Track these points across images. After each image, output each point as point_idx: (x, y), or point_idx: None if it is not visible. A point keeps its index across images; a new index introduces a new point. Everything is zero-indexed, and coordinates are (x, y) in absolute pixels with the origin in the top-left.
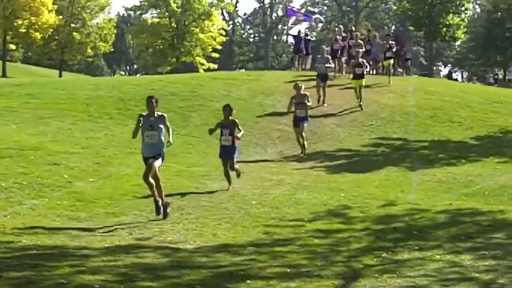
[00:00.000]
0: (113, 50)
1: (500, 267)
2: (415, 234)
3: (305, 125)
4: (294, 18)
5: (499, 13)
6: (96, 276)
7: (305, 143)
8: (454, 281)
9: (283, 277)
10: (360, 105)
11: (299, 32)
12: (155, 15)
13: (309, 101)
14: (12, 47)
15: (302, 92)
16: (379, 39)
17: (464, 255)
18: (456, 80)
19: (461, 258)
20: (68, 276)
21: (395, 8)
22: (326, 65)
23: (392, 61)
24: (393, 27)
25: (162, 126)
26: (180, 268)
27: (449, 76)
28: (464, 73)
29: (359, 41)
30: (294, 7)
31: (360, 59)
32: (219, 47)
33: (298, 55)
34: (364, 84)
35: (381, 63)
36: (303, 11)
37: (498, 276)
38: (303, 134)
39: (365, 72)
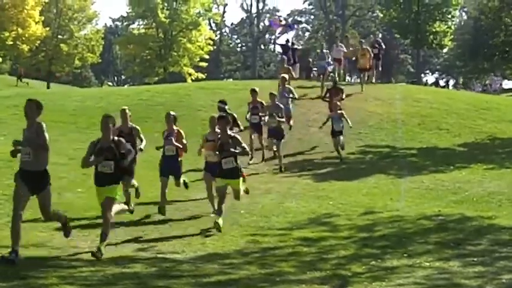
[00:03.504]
0: (100, 61)
1: (489, 274)
2: (404, 242)
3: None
4: (279, 29)
5: (487, 18)
6: (84, 286)
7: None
8: (444, 287)
9: (271, 285)
10: None
11: (287, 40)
12: (142, 26)
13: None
14: None
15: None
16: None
17: (453, 262)
18: (444, 87)
19: (450, 264)
20: (57, 287)
21: (381, 16)
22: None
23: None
24: (380, 35)
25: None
26: (169, 277)
27: (436, 84)
28: (451, 80)
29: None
30: (280, 16)
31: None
32: (207, 57)
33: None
34: None
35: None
36: (290, 20)
37: (487, 282)
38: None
39: None
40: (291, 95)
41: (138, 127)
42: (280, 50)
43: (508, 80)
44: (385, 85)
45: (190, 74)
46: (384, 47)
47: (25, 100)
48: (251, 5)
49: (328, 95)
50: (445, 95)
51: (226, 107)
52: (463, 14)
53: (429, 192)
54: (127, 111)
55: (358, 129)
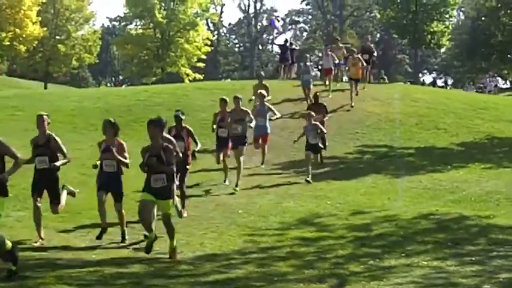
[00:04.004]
0: (98, 61)
1: (486, 273)
2: (402, 241)
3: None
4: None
5: (484, 18)
6: (82, 286)
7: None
8: (441, 286)
9: (270, 285)
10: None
11: (286, 40)
12: (140, 26)
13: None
14: None
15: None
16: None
17: (450, 261)
18: (442, 87)
19: (447, 264)
20: (54, 287)
21: (379, 16)
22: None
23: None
24: (378, 35)
25: None
26: (167, 277)
27: (433, 84)
28: (449, 80)
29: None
30: (278, 16)
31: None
32: (204, 57)
33: (284, 64)
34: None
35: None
36: (287, 20)
37: (484, 281)
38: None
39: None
40: (269, 113)
41: (57, 138)
42: (279, 50)
43: (503, 79)
44: (382, 85)
45: (188, 75)
46: (375, 53)
47: (23, 101)
48: (249, 5)
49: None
50: (442, 95)
51: (183, 117)
52: (461, 13)
53: (427, 191)
54: (45, 117)
55: (355, 129)
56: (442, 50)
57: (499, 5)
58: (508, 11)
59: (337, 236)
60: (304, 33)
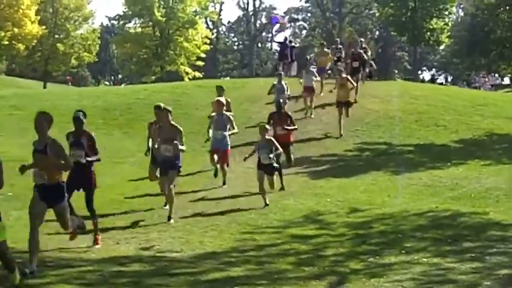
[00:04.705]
0: (97, 60)
1: (486, 269)
2: (401, 238)
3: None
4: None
5: (484, 15)
6: (82, 285)
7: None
8: (441, 283)
9: (270, 283)
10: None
11: (285, 38)
12: (139, 24)
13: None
14: None
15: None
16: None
17: (450, 258)
18: (442, 84)
19: (447, 260)
20: (55, 286)
21: (378, 13)
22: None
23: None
24: (377, 33)
25: None
26: (167, 276)
27: (432, 81)
28: (448, 77)
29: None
30: (277, 14)
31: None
32: (204, 56)
33: (283, 62)
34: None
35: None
36: (286, 18)
37: (484, 277)
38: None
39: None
40: (228, 125)
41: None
42: (278, 48)
43: (500, 75)
44: (382, 82)
45: (187, 73)
46: (366, 58)
47: (22, 100)
48: (248, 3)
49: (271, 121)
50: (442, 92)
51: (84, 120)
52: (460, 10)
53: (427, 188)
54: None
55: (355, 127)
56: (441, 47)
57: (498, 2)
58: (507, 7)
59: (337, 234)
60: (304, 31)
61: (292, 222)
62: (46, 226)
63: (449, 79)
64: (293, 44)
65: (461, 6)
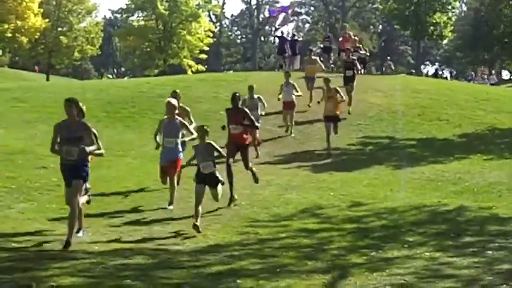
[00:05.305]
0: (100, 53)
1: (488, 264)
2: (404, 232)
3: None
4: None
5: (487, 9)
6: (85, 277)
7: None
8: (443, 277)
9: (272, 276)
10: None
11: (282, 32)
12: (142, 17)
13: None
14: None
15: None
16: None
17: (452, 252)
18: (446, 78)
19: (449, 255)
20: (58, 279)
21: (381, 7)
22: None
23: None
24: (380, 27)
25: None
26: (170, 269)
27: (435, 75)
28: (452, 72)
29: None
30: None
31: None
32: (207, 49)
33: (282, 55)
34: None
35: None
36: (289, 11)
37: (486, 272)
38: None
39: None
40: (183, 131)
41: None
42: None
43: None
44: (385, 76)
45: (190, 66)
46: (359, 67)
47: (25, 93)
48: None
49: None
50: (445, 86)
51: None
52: (463, 5)
53: (429, 183)
54: None
55: (358, 121)
56: (445, 41)
57: None
58: (511, 2)
59: (340, 228)
60: (307, 25)
61: (294, 215)
62: (49, 217)
63: (453, 74)
64: (296, 37)
65: (465, 1)
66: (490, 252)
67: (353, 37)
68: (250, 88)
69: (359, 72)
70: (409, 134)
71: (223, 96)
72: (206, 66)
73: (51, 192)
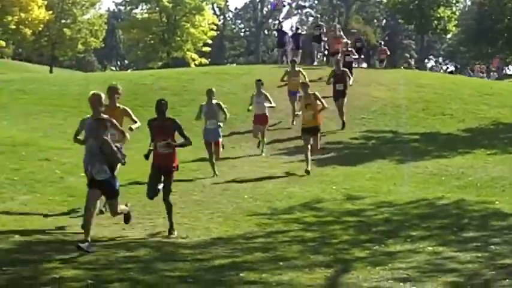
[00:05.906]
0: (103, 45)
1: (490, 259)
2: (407, 226)
3: None
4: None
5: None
6: (88, 270)
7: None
8: (446, 272)
9: (275, 270)
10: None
11: (281, 26)
12: (145, 10)
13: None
14: (2, 43)
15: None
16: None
17: (455, 247)
18: (452, 72)
19: (452, 249)
20: (61, 271)
21: (385, 1)
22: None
23: None
24: (384, 21)
25: None
26: (173, 261)
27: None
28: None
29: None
30: (283, 1)
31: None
32: (210, 42)
33: (282, 49)
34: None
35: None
36: (294, 4)
37: (489, 266)
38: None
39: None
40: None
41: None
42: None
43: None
44: (388, 70)
45: (193, 59)
46: (351, 76)
47: (29, 84)
48: None
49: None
50: (448, 81)
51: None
52: None
53: (432, 177)
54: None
55: (361, 115)
56: (449, 35)
57: None
58: None
59: (342, 221)
60: (310, 18)
61: (297, 209)
62: (51, 211)
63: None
64: (299, 31)
65: None
66: (492, 246)
67: (344, 40)
68: (209, 92)
69: (351, 84)
70: (413, 129)
71: (226, 89)
72: (209, 59)
73: (55, 184)
